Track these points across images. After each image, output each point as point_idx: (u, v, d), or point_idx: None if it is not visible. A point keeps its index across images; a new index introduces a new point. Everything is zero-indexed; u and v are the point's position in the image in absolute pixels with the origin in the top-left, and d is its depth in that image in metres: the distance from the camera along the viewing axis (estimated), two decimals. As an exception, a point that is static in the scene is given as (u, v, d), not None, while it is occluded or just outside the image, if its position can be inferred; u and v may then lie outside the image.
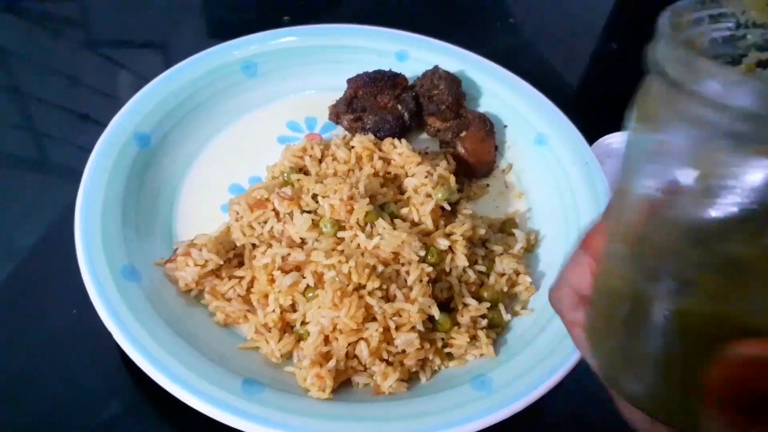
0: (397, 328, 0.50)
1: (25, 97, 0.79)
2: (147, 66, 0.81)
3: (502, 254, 0.58)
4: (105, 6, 0.92)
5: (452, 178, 0.60)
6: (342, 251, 0.52)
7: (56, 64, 0.81)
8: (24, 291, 0.58)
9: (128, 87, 0.80)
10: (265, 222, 0.55)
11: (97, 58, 0.84)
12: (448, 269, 0.54)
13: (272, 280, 0.53)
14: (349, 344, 0.49)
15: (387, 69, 0.70)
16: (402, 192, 0.60)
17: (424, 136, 0.72)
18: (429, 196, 0.57)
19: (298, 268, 0.52)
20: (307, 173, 0.59)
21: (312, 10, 0.92)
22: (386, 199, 0.57)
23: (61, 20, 0.90)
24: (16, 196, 0.66)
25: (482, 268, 0.56)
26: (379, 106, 0.68)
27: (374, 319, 0.50)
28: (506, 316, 0.55)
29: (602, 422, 0.48)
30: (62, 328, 0.55)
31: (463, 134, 0.67)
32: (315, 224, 0.54)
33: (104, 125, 0.72)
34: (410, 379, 0.51)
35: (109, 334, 0.49)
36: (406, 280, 0.52)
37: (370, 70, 0.69)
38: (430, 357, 0.51)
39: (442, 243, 0.54)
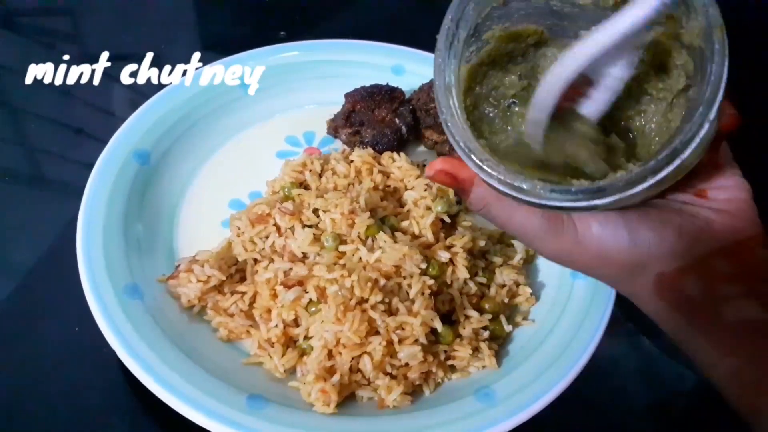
0: (400, 342, 0.50)
1: (18, 112, 0.78)
2: (141, 80, 0.82)
3: (502, 265, 0.58)
4: (98, 21, 0.92)
5: (451, 191, 0.61)
6: (344, 265, 0.52)
7: (49, 78, 0.80)
8: (25, 309, 0.58)
9: (123, 102, 0.80)
10: (267, 237, 0.56)
11: (90, 72, 0.85)
12: (449, 281, 0.55)
13: (275, 295, 0.53)
14: (352, 358, 0.50)
15: (384, 83, 0.71)
16: (402, 205, 0.60)
17: (422, 148, 0.73)
18: (429, 208, 0.58)
19: (300, 283, 0.53)
20: (307, 188, 0.60)
21: (306, 25, 0.93)
22: (386, 212, 0.58)
23: (53, 34, 0.90)
24: (13, 212, 0.65)
25: (483, 280, 0.56)
26: (376, 119, 0.69)
27: (377, 333, 0.50)
28: (507, 328, 0.55)
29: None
30: (64, 346, 0.55)
31: (460, 147, 0.68)
32: (316, 238, 0.54)
33: (98, 140, 0.71)
34: (414, 392, 0.51)
35: (111, 352, 0.49)
36: (408, 293, 0.52)
37: (367, 84, 0.70)
38: (434, 370, 0.52)
39: (443, 255, 0.55)
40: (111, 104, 0.79)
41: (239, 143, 0.69)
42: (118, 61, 0.86)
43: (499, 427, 0.48)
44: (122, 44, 0.88)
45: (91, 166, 0.62)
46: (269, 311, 0.53)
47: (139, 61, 0.86)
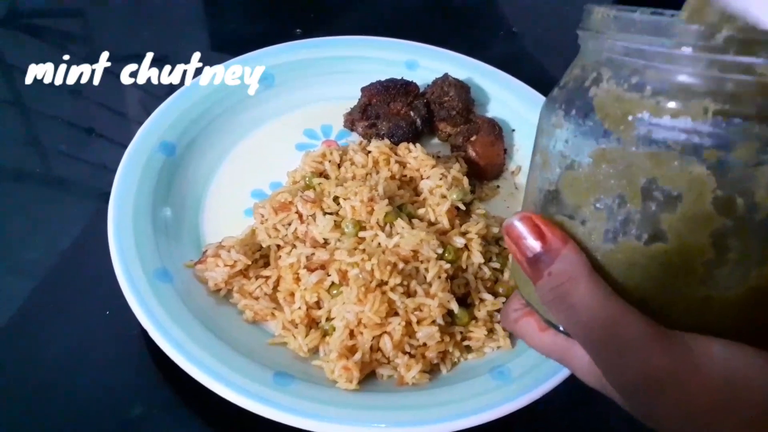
0: (418, 322, 0.53)
1: (29, 113, 0.80)
2: (152, 80, 0.83)
3: (514, 251, 0.60)
4: (109, 21, 0.93)
5: (465, 180, 0.63)
6: (364, 250, 0.55)
7: (61, 79, 0.81)
8: (53, 300, 0.59)
9: (135, 101, 0.82)
10: (289, 224, 0.58)
11: (102, 73, 0.86)
12: (464, 266, 0.57)
13: (298, 279, 0.55)
14: (373, 338, 0.52)
15: (399, 78, 0.73)
16: (418, 194, 0.63)
17: (436, 140, 0.75)
18: (444, 197, 0.60)
19: (322, 267, 0.55)
20: (327, 177, 0.62)
21: (321, 22, 0.95)
22: (403, 200, 0.60)
23: (65, 36, 0.92)
24: (30, 211, 0.67)
25: (496, 265, 0.59)
26: (392, 112, 0.71)
27: (396, 314, 0.52)
28: (521, 310, 0.57)
29: (616, 409, 0.51)
30: (96, 328, 0.57)
31: (473, 138, 0.70)
32: (337, 225, 0.56)
33: (109, 140, 0.74)
34: (432, 370, 0.53)
35: (140, 334, 0.51)
36: (425, 277, 0.54)
37: (383, 79, 0.72)
38: (450, 349, 0.54)
39: (459, 241, 0.57)
40: (122, 104, 0.81)
41: (260, 136, 0.72)
42: (131, 61, 0.88)
43: (513, 403, 0.50)
44: (134, 44, 0.89)
45: (102, 165, 0.64)
46: (292, 294, 0.56)
47: (153, 61, 0.89)
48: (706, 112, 0.27)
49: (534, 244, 0.30)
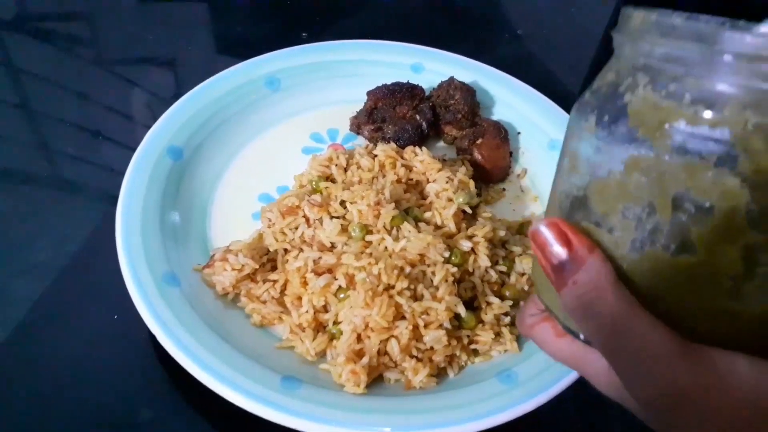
0: (425, 326, 0.53)
1: (38, 115, 0.80)
2: (159, 84, 0.84)
3: (521, 255, 0.60)
4: (116, 24, 0.94)
5: (472, 183, 0.63)
6: (371, 254, 0.55)
7: (68, 82, 0.83)
8: (62, 303, 0.60)
9: (141, 105, 0.82)
10: (296, 228, 0.58)
11: (109, 76, 0.86)
12: (471, 269, 0.57)
13: (305, 283, 0.56)
14: (380, 342, 0.52)
15: (404, 81, 0.73)
16: (424, 197, 0.63)
17: (442, 143, 0.75)
18: (450, 200, 0.60)
19: (329, 271, 0.55)
20: (333, 181, 0.62)
21: (326, 25, 0.96)
22: (410, 204, 0.60)
23: (72, 39, 0.92)
24: (38, 214, 0.67)
25: (503, 268, 0.59)
26: (398, 116, 0.71)
27: (404, 318, 0.52)
28: (528, 313, 0.57)
29: (623, 414, 0.51)
30: (103, 332, 0.57)
31: (479, 141, 0.70)
32: (344, 229, 0.57)
33: (117, 142, 0.74)
34: (439, 374, 0.54)
35: (148, 338, 0.51)
36: (432, 280, 0.54)
37: (388, 82, 0.73)
38: (458, 353, 0.54)
39: (465, 245, 0.57)
40: (129, 107, 0.81)
41: (266, 140, 0.72)
42: (138, 64, 0.89)
43: (521, 407, 0.50)
44: (141, 47, 0.90)
45: (110, 168, 0.64)
46: (300, 298, 0.56)
47: (159, 65, 0.89)
48: (746, 124, 0.26)
49: (560, 251, 0.30)
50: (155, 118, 0.67)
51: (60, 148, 0.76)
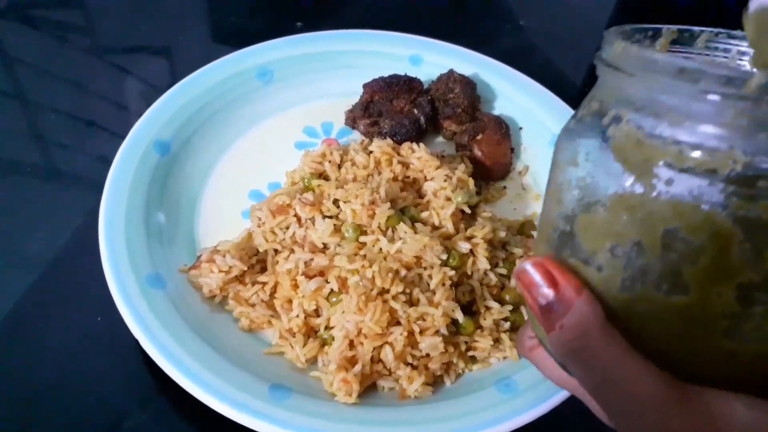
0: (421, 332, 0.50)
1: (31, 105, 0.79)
2: (154, 73, 0.82)
3: (522, 256, 0.58)
4: (110, 13, 0.92)
5: (471, 182, 0.60)
6: (364, 256, 0.52)
7: (62, 71, 0.81)
8: (47, 299, 0.58)
9: (135, 94, 0.81)
10: (287, 227, 0.56)
11: (103, 64, 0.84)
12: (469, 272, 0.55)
13: (296, 286, 0.53)
14: (374, 349, 0.50)
15: (402, 73, 0.70)
16: (421, 196, 0.60)
17: (440, 139, 0.72)
18: (449, 199, 0.58)
19: (321, 273, 0.53)
20: (326, 178, 0.60)
21: (322, 15, 0.93)
22: (406, 203, 0.58)
23: (66, 27, 0.90)
24: (29, 204, 0.66)
25: (503, 271, 0.56)
26: (395, 110, 0.68)
27: (398, 324, 0.50)
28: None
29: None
30: (87, 335, 0.55)
31: (479, 137, 0.67)
32: (337, 229, 0.54)
33: (111, 132, 0.72)
34: (435, 382, 0.51)
35: (132, 341, 0.49)
36: (428, 284, 0.52)
37: (386, 74, 0.70)
38: (455, 360, 0.52)
39: (464, 246, 0.54)
40: (123, 97, 0.79)
41: (257, 134, 0.69)
42: (132, 53, 0.87)
43: (520, 418, 0.48)
44: (136, 36, 0.88)
45: (104, 158, 0.62)
46: (290, 301, 0.53)
47: (153, 53, 0.87)
48: (734, 164, 0.25)
49: (547, 293, 0.28)
50: (149, 107, 0.65)
51: (53, 138, 0.74)
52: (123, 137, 0.62)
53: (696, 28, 0.27)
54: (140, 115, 0.64)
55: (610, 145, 0.28)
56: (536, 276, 0.29)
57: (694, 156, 0.25)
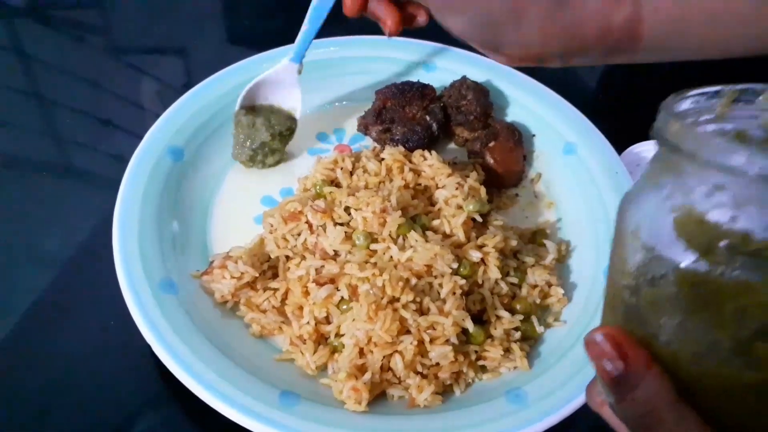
0: (431, 341, 0.50)
1: (48, 104, 0.79)
2: (169, 73, 0.83)
3: (533, 266, 0.58)
4: (127, 13, 0.92)
5: (483, 190, 0.60)
6: (375, 264, 0.52)
7: (79, 70, 0.82)
8: (61, 302, 0.59)
9: (151, 94, 0.81)
10: (299, 234, 0.56)
11: (120, 64, 0.85)
12: (480, 281, 0.55)
13: (307, 293, 0.53)
14: (383, 357, 0.50)
15: (415, 79, 0.70)
16: (433, 204, 0.60)
17: (452, 146, 0.72)
18: (460, 207, 0.58)
19: (332, 281, 0.53)
20: (338, 185, 0.60)
21: (336, 20, 0.93)
22: (417, 211, 0.58)
23: (83, 27, 0.91)
24: (46, 204, 0.66)
25: (514, 280, 0.56)
26: (407, 117, 0.68)
27: (408, 332, 0.50)
28: (539, 329, 0.55)
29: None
30: (99, 339, 0.56)
31: (491, 144, 0.67)
32: (348, 237, 0.54)
33: (128, 132, 0.72)
34: (445, 392, 0.51)
35: (144, 345, 0.50)
36: (439, 293, 0.52)
37: (398, 81, 0.70)
38: (464, 370, 0.52)
39: (475, 255, 0.54)
40: (139, 96, 0.80)
41: (270, 140, 0.69)
42: (148, 53, 0.87)
43: (530, 429, 0.47)
44: (152, 37, 0.89)
45: (119, 157, 0.63)
46: (301, 308, 0.54)
47: (169, 54, 0.88)
48: None
49: (617, 365, 0.28)
50: (165, 107, 0.65)
51: (70, 137, 0.75)
52: (139, 137, 0.63)
53: (758, 86, 0.26)
54: (156, 115, 0.65)
55: (674, 221, 0.27)
56: (607, 347, 0.28)
57: (760, 237, 0.25)
